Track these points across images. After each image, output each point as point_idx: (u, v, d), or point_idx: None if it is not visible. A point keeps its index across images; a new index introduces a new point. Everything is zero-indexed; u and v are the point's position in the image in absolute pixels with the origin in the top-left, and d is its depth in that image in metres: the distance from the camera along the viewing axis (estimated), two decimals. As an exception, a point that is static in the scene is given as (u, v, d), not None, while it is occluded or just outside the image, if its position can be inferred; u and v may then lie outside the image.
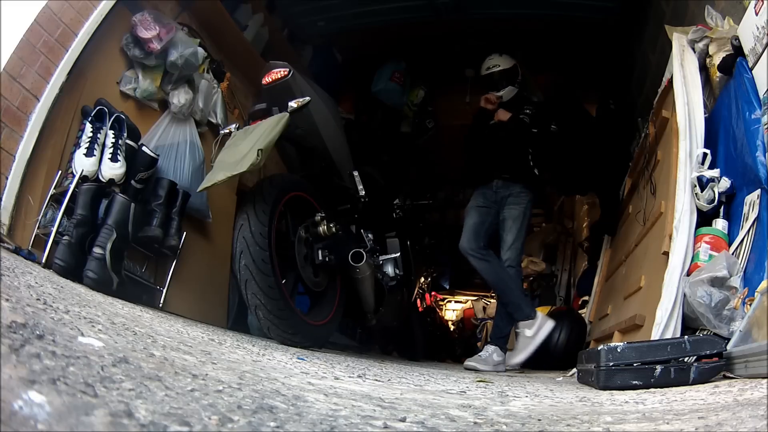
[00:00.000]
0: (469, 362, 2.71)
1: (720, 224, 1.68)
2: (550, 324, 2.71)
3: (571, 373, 2.21)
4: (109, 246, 1.85)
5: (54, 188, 1.91)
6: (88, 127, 2.00)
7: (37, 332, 0.67)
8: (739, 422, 0.70)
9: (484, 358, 2.70)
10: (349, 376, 1.26)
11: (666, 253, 1.73)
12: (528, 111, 2.99)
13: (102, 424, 0.42)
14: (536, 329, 2.67)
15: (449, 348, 5.84)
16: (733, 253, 1.57)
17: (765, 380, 1.01)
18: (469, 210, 2.98)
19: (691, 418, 0.77)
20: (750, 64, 1.64)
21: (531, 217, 3.06)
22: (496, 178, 2.93)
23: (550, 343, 3.10)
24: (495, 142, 2.99)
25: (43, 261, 1.78)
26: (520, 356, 2.66)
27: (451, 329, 7.21)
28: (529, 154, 2.98)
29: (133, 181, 2.11)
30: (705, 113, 1.89)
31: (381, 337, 4.07)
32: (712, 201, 1.70)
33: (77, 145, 2.00)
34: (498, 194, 2.92)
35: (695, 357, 1.22)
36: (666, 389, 1.16)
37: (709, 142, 1.82)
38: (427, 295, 6.38)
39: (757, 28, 1.59)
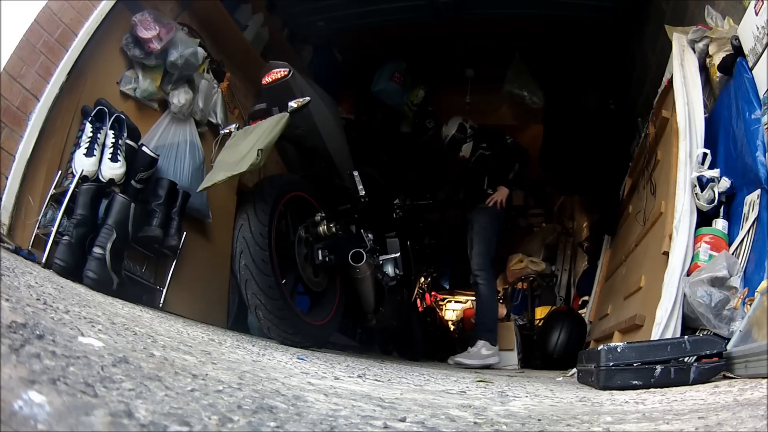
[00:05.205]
0: (456, 358, 2.90)
1: (720, 224, 1.68)
2: (495, 359, 3.03)
3: (571, 373, 2.21)
4: (109, 246, 1.85)
5: (54, 188, 1.91)
6: (88, 127, 2.00)
7: (37, 332, 0.67)
8: (739, 422, 0.70)
9: (472, 353, 2.81)
10: (349, 376, 1.26)
11: (666, 253, 1.73)
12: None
13: (102, 424, 0.42)
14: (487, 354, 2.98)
15: (449, 348, 5.82)
16: (733, 253, 1.57)
17: (765, 380, 1.01)
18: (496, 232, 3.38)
19: (691, 418, 0.77)
20: (750, 64, 1.64)
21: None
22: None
23: (550, 343, 3.11)
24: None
25: (43, 261, 1.78)
26: (467, 361, 2.94)
27: (451, 329, 7.20)
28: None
29: (133, 181, 2.11)
30: (705, 113, 1.89)
31: (381, 337, 4.07)
32: (712, 201, 1.70)
33: (77, 145, 2.00)
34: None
35: (695, 357, 1.22)
36: (666, 389, 1.16)
37: (709, 142, 1.82)
38: (427, 295, 6.37)
39: (757, 28, 1.59)
